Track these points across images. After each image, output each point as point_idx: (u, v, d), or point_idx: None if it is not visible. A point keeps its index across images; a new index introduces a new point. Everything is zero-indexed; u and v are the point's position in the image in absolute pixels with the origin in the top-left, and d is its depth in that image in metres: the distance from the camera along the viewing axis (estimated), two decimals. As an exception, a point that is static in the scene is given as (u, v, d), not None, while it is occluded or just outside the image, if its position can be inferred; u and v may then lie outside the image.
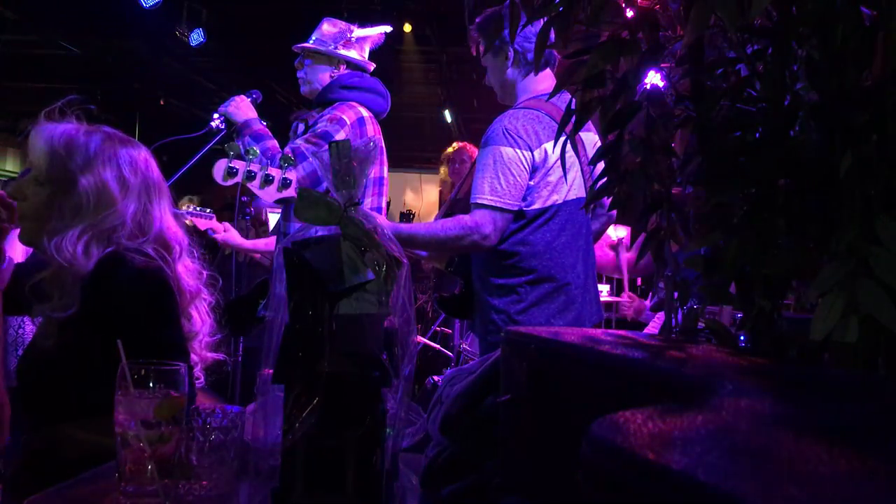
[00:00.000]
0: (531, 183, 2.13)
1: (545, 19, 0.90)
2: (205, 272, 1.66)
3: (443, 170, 4.89)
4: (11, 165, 11.17)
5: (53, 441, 1.41)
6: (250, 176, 2.14)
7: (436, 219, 2.39)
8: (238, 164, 2.13)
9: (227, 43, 7.23)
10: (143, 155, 1.60)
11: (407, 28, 6.10)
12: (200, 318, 1.62)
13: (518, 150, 2.10)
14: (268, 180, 2.14)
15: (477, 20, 2.30)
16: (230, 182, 2.17)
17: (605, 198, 0.96)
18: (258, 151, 2.22)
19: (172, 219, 1.62)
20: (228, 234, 3.27)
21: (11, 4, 6.15)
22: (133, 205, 1.53)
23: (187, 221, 3.61)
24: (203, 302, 1.64)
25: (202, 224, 3.47)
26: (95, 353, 1.36)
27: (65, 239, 1.44)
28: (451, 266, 2.42)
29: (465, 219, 2.10)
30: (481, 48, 2.31)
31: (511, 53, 2.25)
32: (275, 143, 2.72)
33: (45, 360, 1.45)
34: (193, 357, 1.57)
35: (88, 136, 1.54)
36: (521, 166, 2.10)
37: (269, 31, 6.62)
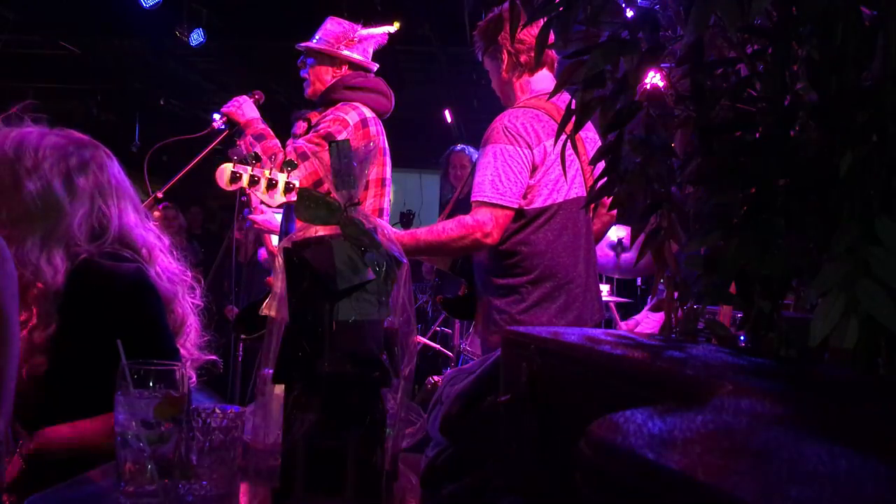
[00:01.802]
0: (531, 181, 2.13)
1: (545, 20, 0.90)
2: (189, 272, 1.65)
3: None
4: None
5: (45, 443, 1.41)
6: (254, 180, 2.14)
7: (439, 220, 2.40)
8: (241, 169, 2.14)
9: (227, 43, 7.23)
10: (98, 157, 1.56)
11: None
12: (186, 317, 1.61)
13: (518, 148, 2.10)
14: (271, 185, 2.15)
15: (480, 24, 2.31)
16: (234, 187, 2.17)
17: (605, 198, 0.96)
18: (261, 155, 2.22)
19: (137, 220, 1.58)
20: (266, 215, 3.25)
21: (11, 4, 6.15)
22: (83, 208, 1.49)
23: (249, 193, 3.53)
24: (188, 301, 1.63)
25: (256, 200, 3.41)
26: (85, 359, 1.36)
27: (24, 249, 1.40)
28: (454, 268, 2.42)
29: (466, 218, 2.10)
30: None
31: (505, 56, 2.26)
32: (276, 143, 2.72)
33: (34, 371, 1.43)
34: (184, 353, 1.57)
35: (40, 139, 1.50)
36: (522, 164, 2.10)
37: (269, 31, 6.62)
